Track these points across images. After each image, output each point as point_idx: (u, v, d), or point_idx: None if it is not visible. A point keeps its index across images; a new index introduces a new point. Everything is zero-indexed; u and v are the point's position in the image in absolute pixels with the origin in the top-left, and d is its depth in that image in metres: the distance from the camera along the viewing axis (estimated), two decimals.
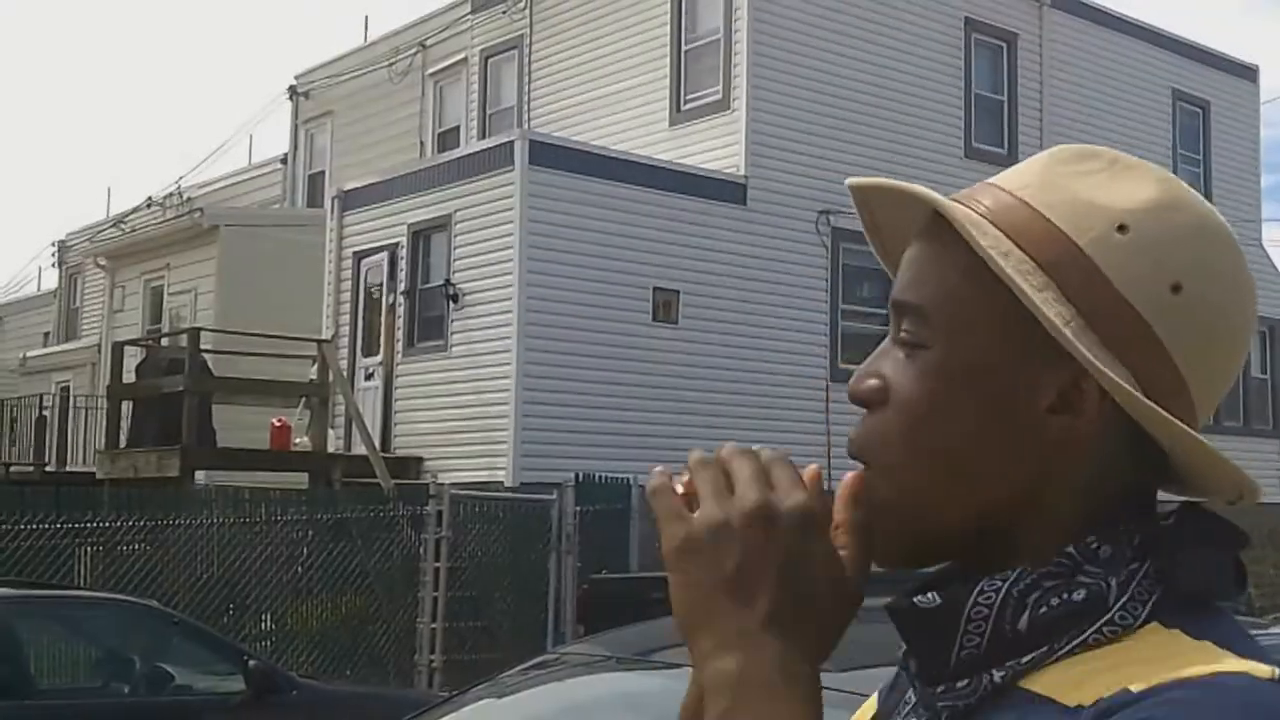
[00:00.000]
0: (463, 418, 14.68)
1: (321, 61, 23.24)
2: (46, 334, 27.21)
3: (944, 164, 17.07)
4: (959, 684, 0.88)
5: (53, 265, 27.76)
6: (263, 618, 12.04)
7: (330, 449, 15.10)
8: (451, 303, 15.12)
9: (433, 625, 11.98)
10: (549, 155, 14.81)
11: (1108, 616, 0.85)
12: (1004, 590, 0.87)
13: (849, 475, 0.92)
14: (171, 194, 24.52)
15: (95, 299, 24.34)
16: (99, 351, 21.99)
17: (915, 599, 0.90)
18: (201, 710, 7.47)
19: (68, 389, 22.48)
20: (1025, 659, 0.86)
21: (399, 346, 15.94)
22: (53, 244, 27.64)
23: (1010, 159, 18.33)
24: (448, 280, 15.20)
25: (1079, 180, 0.90)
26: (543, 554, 12.80)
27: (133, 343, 17.81)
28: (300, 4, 68.73)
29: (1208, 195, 20.74)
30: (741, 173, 15.84)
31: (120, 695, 7.66)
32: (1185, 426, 0.86)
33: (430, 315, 15.65)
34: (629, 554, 13.32)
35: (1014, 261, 0.87)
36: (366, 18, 37.16)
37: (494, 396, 14.33)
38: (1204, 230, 0.90)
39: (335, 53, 23.06)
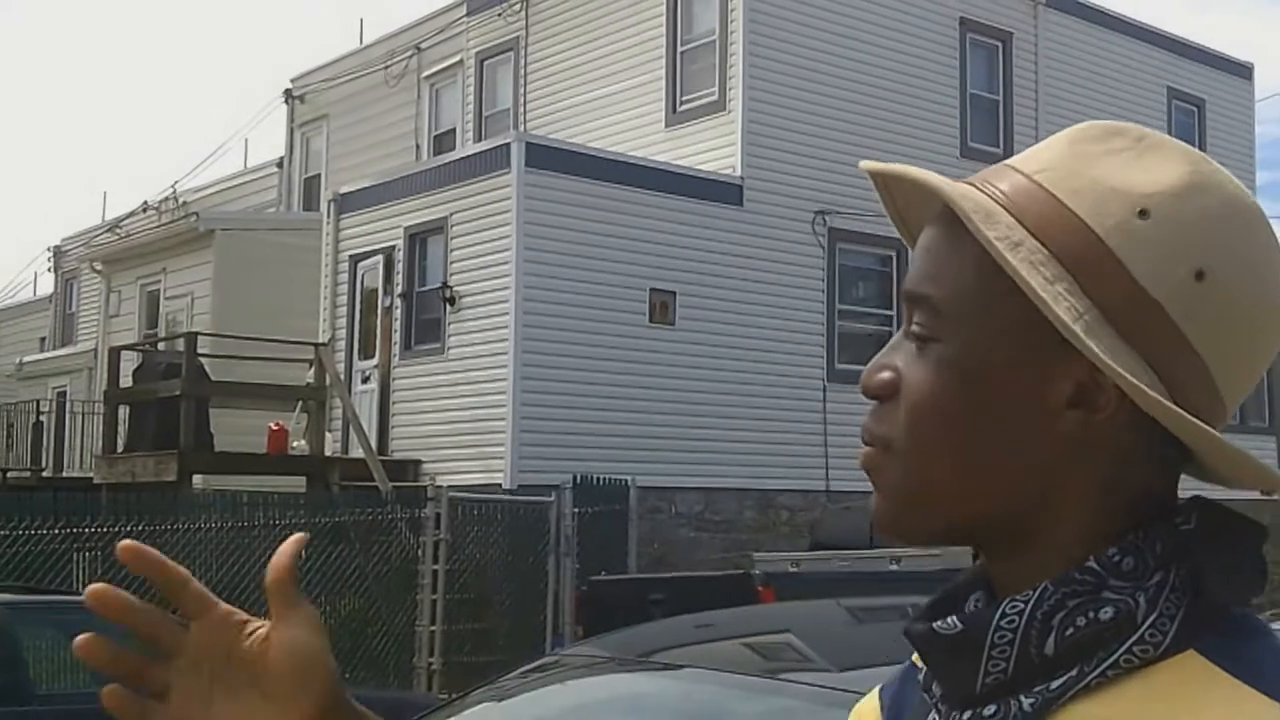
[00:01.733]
0: (460, 420, 14.68)
1: (317, 65, 23.24)
2: (43, 339, 27.19)
3: (940, 163, 17.09)
4: (986, 710, 0.85)
5: (48, 270, 27.78)
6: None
7: (328, 452, 15.10)
8: (448, 305, 15.13)
9: (431, 628, 11.99)
10: (545, 157, 14.82)
11: (1137, 635, 0.82)
12: (1027, 612, 0.84)
13: (860, 453, 0.91)
14: (167, 198, 24.54)
15: (91, 304, 24.33)
16: (95, 356, 21.97)
17: (935, 625, 0.87)
18: None
19: (64, 394, 22.47)
20: (1055, 684, 0.83)
21: (396, 349, 15.94)
22: (48, 249, 27.66)
23: (1005, 157, 18.34)
24: (444, 283, 15.20)
25: (1102, 161, 0.87)
26: (541, 556, 12.80)
27: (129, 347, 17.81)
28: (295, 8, 68.76)
29: None
30: (738, 173, 15.86)
31: None
32: (1205, 426, 0.83)
33: (427, 318, 15.66)
34: (627, 555, 13.32)
35: (1025, 252, 0.84)
36: (362, 21, 37.00)
37: (491, 399, 14.33)
38: (1233, 213, 0.86)
39: (330, 56, 23.09)
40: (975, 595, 0.92)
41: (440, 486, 12.70)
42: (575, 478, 13.23)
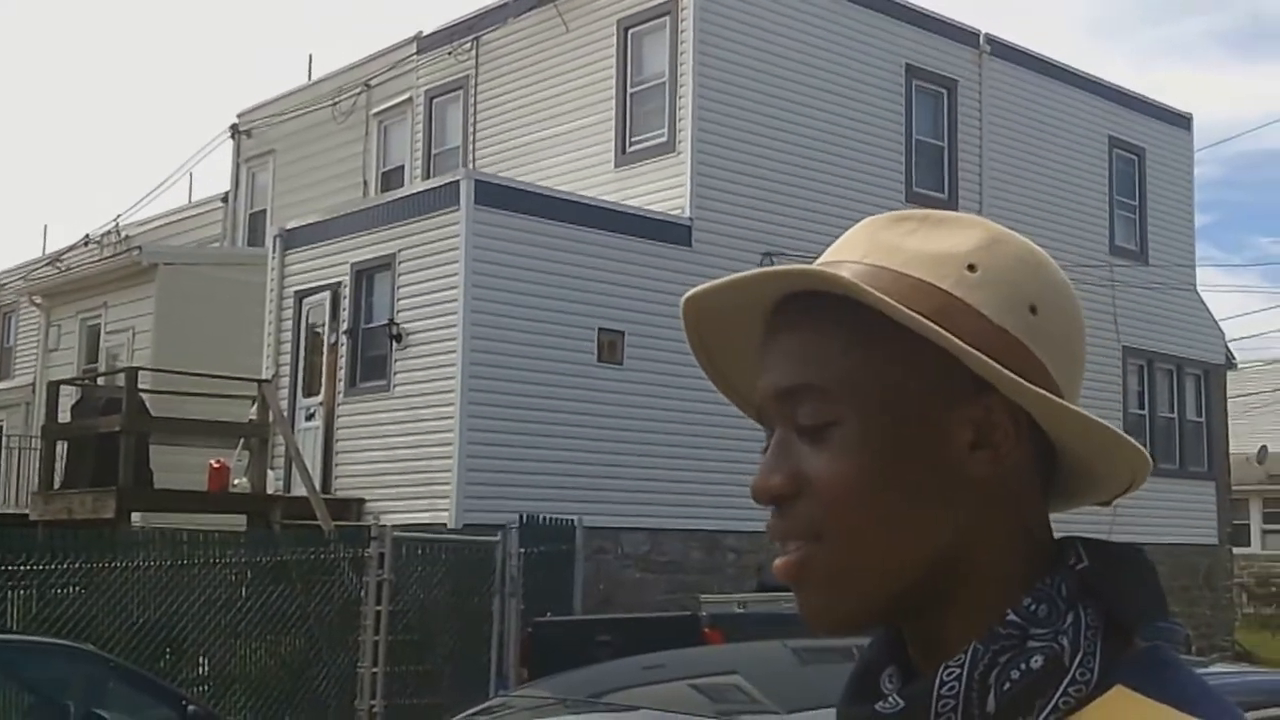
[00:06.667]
0: (405, 459, 14.57)
1: (264, 100, 23.15)
2: None
3: (886, 207, 17.21)
4: None
5: None
6: (200, 662, 11.85)
7: (269, 490, 14.92)
8: (395, 342, 15.05)
9: (374, 669, 11.84)
10: (494, 195, 14.82)
11: (1069, 677, 0.87)
12: (965, 676, 0.88)
13: (777, 563, 0.93)
14: (109, 232, 24.27)
15: (30, 338, 23.98)
16: (33, 391, 21.63)
17: (876, 706, 0.90)
18: None
19: (0, 429, 22.08)
20: None
21: (341, 386, 15.82)
22: None
23: (950, 203, 18.58)
24: (391, 320, 15.13)
25: (909, 239, 0.95)
26: (486, 597, 12.70)
27: (68, 382, 17.53)
28: (243, 42, 68.53)
29: (1143, 240, 20.89)
30: (687, 214, 15.94)
31: None
32: (1091, 415, 0.89)
33: (373, 355, 15.56)
34: (573, 597, 13.25)
35: (872, 295, 0.90)
36: (310, 57, 37.09)
37: (437, 437, 14.24)
38: (1030, 253, 0.96)
39: (278, 91, 23.00)
40: (888, 670, 0.95)
41: (384, 526, 12.60)
42: (521, 517, 13.16)
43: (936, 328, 0.88)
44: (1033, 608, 0.89)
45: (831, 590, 0.91)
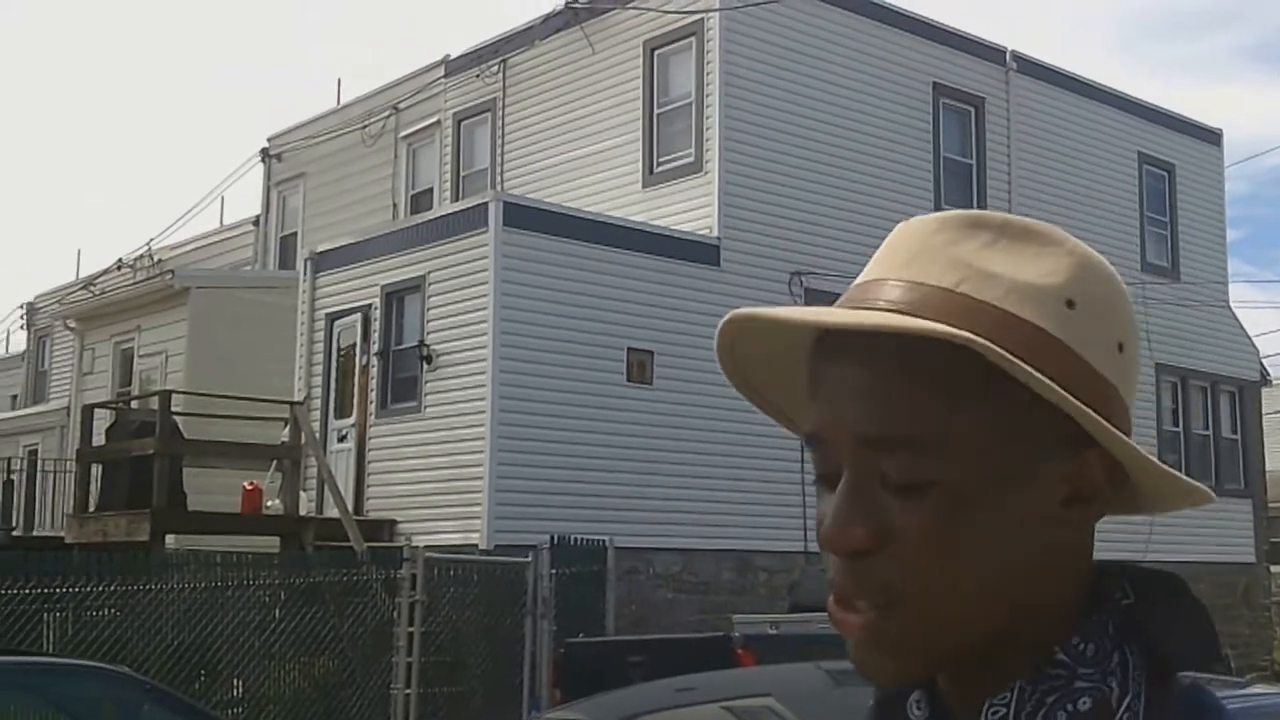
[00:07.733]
0: (436, 480, 14.61)
1: (294, 124, 23.32)
2: (14, 396, 26.99)
3: None
4: None
5: (21, 327, 27.64)
6: (234, 683, 11.88)
7: (302, 512, 14.97)
8: (425, 364, 15.11)
9: (406, 691, 11.85)
10: (523, 217, 14.87)
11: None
12: (1010, 717, 0.85)
13: (846, 625, 0.86)
14: (142, 256, 24.47)
15: (64, 361, 24.18)
16: (68, 414, 21.81)
17: None
18: None
19: (36, 452, 22.25)
20: None
21: (372, 408, 15.88)
22: (21, 306, 27.53)
23: None
24: (421, 341, 15.19)
25: (997, 259, 0.87)
26: (518, 618, 12.69)
27: (103, 405, 17.66)
28: (273, 67, 69.10)
29: (1174, 257, 20.71)
30: (714, 234, 15.95)
31: None
32: (1181, 475, 0.87)
33: (404, 376, 15.62)
34: (605, 617, 13.22)
35: (1025, 371, 0.83)
36: (339, 80, 37.30)
37: (468, 458, 14.27)
38: (1116, 283, 0.91)
39: (308, 115, 23.17)
40: (914, 697, 0.92)
41: (416, 547, 12.61)
42: (553, 538, 13.15)
43: (1079, 404, 0.82)
44: (1081, 646, 0.86)
45: (900, 654, 0.85)
